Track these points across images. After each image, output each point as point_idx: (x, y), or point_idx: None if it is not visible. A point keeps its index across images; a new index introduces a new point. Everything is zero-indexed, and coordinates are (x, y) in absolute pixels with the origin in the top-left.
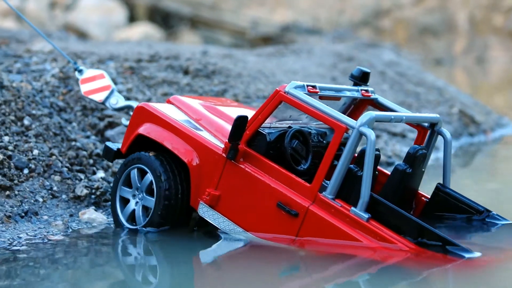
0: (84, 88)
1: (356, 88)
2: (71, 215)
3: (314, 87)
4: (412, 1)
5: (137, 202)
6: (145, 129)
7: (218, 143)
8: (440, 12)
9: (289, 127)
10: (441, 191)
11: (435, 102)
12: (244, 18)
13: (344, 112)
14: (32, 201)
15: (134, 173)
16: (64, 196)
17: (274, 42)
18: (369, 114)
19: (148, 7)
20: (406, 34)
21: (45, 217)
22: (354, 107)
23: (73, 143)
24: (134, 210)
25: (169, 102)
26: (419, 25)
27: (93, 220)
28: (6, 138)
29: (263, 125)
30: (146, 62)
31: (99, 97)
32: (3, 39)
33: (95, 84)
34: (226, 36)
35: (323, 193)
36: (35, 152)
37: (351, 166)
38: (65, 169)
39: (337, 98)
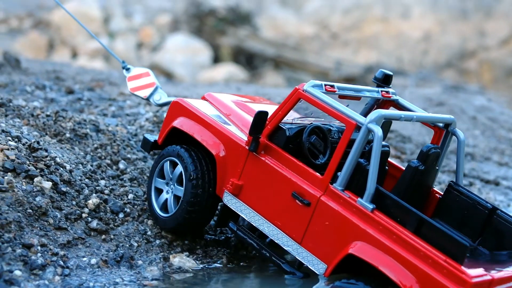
0: (130, 85)
1: (376, 89)
2: (165, 259)
3: (332, 86)
4: (498, 42)
5: (168, 191)
6: (179, 122)
7: (243, 137)
8: None
9: (311, 123)
10: (453, 188)
11: None
12: (327, 59)
13: (367, 112)
14: (127, 245)
15: (167, 165)
16: (158, 241)
17: (357, 83)
18: (378, 111)
19: (233, 48)
20: (492, 75)
21: (140, 262)
22: (377, 108)
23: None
24: (166, 199)
25: (203, 98)
26: (505, 67)
27: (184, 264)
28: (102, 182)
29: (285, 121)
30: None
31: (144, 93)
32: (98, 82)
33: (141, 82)
34: (309, 76)
35: (334, 184)
36: (130, 196)
37: (361, 160)
38: None
39: (357, 98)
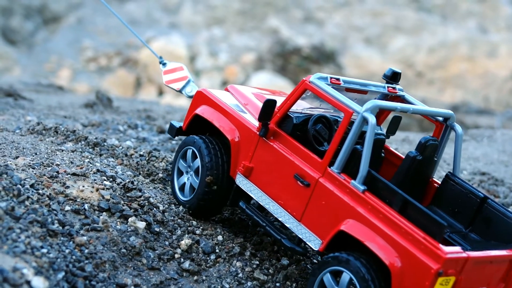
0: (165, 78)
1: (383, 85)
2: None
3: (337, 79)
4: None
5: (188, 178)
6: (201, 110)
7: (256, 124)
8: None
9: (318, 113)
10: (449, 178)
11: None
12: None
13: None
14: (219, 287)
15: (190, 152)
16: (249, 283)
17: None
18: (373, 102)
19: None
20: None
21: None
22: None
23: (258, 228)
24: (185, 183)
25: (226, 90)
26: None
27: None
28: (194, 222)
29: (296, 110)
30: None
31: (177, 86)
32: None
33: (175, 75)
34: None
35: (331, 168)
36: (220, 238)
37: (357, 146)
38: (248, 253)
39: (364, 92)
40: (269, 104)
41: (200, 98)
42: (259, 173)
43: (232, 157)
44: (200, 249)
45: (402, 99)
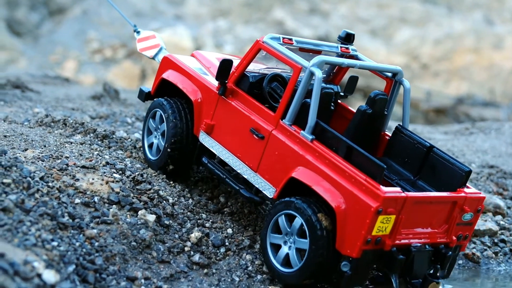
0: (139, 46)
1: (336, 45)
2: None
3: (290, 39)
4: None
5: (156, 137)
6: (167, 74)
7: (216, 84)
8: None
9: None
10: (399, 130)
11: None
12: (418, 90)
13: (332, 68)
14: (229, 280)
15: (151, 120)
16: (259, 276)
17: (447, 114)
18: (320, 57)
19: None
20: None
21: None
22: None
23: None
24: (153, 142)
25: (192, 55)
26: None
27: None
28: (203, 215)
29: (254, 70)
30: None
31: (150, 53)
32: None
33: (148, 43)
34: (398, 107)
35: (283, 120)
36: (229, 231)
37: (307, 100)
38: (258, 246)
39: (318, 52)
40: (224, 64)
41: (166, 63)
42: (219, 130)
43: (195, 116)
44: (210, 242)
45: (356, 59)
